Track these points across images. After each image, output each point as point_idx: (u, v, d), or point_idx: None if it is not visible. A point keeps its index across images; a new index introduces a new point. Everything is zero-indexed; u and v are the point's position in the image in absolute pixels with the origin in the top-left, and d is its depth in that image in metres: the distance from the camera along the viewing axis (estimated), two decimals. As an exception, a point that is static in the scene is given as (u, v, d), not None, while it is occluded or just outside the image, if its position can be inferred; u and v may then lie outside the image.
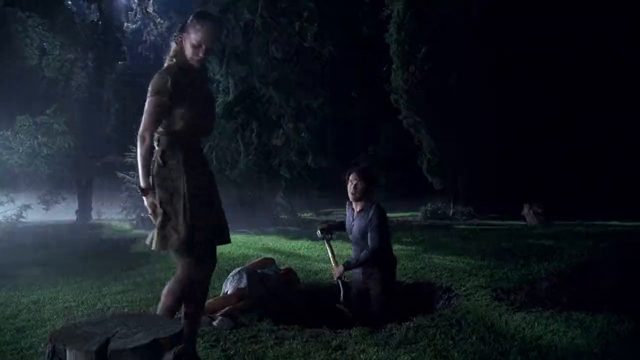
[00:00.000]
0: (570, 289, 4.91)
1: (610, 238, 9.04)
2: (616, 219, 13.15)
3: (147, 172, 2.69)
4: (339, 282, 4.66)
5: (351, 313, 4.51)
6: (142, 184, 2.68)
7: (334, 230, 5.05)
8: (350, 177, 4.60)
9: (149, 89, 2.75)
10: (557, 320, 3.86)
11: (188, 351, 2.75)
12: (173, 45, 2.90)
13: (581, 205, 14.74)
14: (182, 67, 2.85)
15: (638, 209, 12.98)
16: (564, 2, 16.73)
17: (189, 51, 2.84)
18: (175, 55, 2.87)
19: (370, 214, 4.50)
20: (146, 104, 2.71)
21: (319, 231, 5.01)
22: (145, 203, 2.73)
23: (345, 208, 4.90)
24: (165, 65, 2.88)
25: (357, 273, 4.70)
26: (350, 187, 4.59)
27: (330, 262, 4.91)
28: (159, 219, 2.70)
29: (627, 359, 3.15)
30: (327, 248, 4.93)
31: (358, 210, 4.64)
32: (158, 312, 2.80)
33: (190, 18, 2.87)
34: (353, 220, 4.69)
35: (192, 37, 2.82)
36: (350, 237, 4.74)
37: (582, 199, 15.50)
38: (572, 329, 3.64)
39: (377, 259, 4.49)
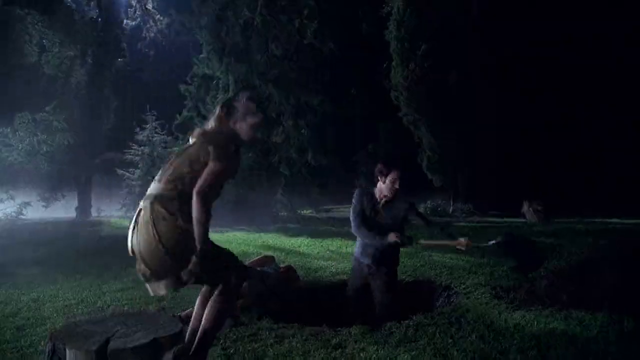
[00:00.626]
0: (569, 287, 4.91)
1: (610, 235, 9.04)
2: (616, 216, 13.15)
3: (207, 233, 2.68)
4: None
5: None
6: (204, 244, 2.62)
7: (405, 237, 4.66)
8: (394, 176, 4.60)
9: (219, 152, 2.73)
10: (557, 319, 3.86)
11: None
12: (220, 111, 3.02)
13: (581, 205, 14.73)
14: (238, 138, 2.98)
15: (638, 208, 12.97)
16: (564, 2, 16.70)
17: (246, 129, 2.99)
18: (235, 124, 2.99)
19: (406, 206, 4.64)
20: (215, 166, 2.69)
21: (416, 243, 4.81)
22: (199, 261, 2.62)
23: (353, 198, 4.86)
24: (222, 131, 2.94)
25: (362, 268, 4.70)
26: (393, 185, 4.59)
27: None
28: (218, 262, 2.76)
29: (626, 358, 3.15)
30: (434, 243, 4.85)
31: (385, 201, 4.64)
32: (208, 325, 2.76)
33: (246, 98, 3.05)
34: (377, 212, 4.67)
35: (250, 119, 3.00)
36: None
37: (582, 199, 15.48)
38: (572, 327, 3.65)
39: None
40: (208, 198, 2.69)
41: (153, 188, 2.77)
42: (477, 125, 16.94)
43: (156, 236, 2.59)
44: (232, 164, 2.81)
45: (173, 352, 2.26)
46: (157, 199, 2.67)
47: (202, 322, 2.78)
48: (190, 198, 2.66)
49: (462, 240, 4.40)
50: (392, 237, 4.43)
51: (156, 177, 2.85)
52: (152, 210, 2.63)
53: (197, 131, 2.96)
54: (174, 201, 2.65)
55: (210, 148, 2.72)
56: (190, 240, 2.61)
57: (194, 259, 2.59)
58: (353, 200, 4.78)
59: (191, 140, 2.93)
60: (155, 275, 2.62)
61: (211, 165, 2.69)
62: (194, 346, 2.71)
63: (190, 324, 2.89)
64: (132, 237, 2.70)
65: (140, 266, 2.65)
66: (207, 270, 2.68)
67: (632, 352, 3.24)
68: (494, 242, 4.45)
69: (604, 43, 16.53)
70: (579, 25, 16.24)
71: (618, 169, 16.77)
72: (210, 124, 3.02)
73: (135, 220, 2.70)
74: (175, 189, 2.69)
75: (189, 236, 2.60)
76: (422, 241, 4.69)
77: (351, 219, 4.69)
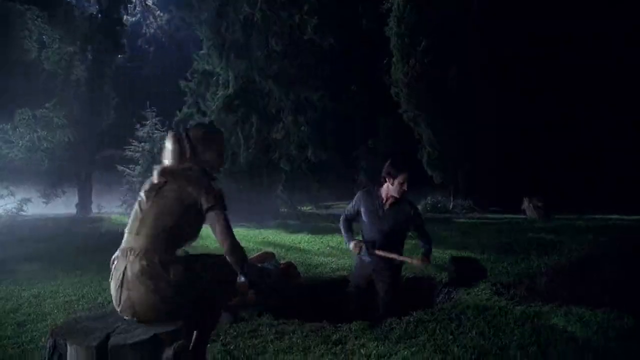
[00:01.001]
0: (570, 283, 4.91)
1: (611, 232, 9.05)
2: (616, 213, 13.14)
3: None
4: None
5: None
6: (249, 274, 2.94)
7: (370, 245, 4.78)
8: (403, 179, 4.59)
9: (219, 201, 2.74)
10: (557, 315, 3.86)
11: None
12: (179, 148, 2.88)
13: (581, 202, 14.73)
14: (209, 171, 2.95)
15: (638, 206, 12.95)
16: (564, 1, 16.66)
17: (214, 159, 2.98)
18: (202, 155, 2.93)
19: (411, 211, 4.69)
20: (220, 213, 2.75)
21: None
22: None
23: (353, 198, 4.89)
24: (192, 167, 2.85)
25: (364, 266, 4.70)
26: (402, 187, 4.59)
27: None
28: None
29: (626, 354, 3.15)
30: (390, 256, 4.74)
31: (391, 203, 4.64)
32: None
33: (205, 129, 3.03)
34: (382, 212, 4.67)
35: (216, 148, 2.99)
36: (376, 225, 4.68)
37: (582, 196, 15.47)
38: (572, 324, 3.65)
39: None
40: (238, 245, 2.85)
41: (134, 242, 2.65)
42: (477, 122, 16.93)
43: (153, 291, 2.54)
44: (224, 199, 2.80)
45: (173, 348, 2.26)
46: (147, 254, 2.58)
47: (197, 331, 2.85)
48: (178, 246, 2.70)
49: (417, 258, 4.59)
50: (351, 246, 4.60)
51: (132, 229, 2.71)
52: (142, 267, 2.56)
53: (161, 169, 2.84)
54: (164, 255, 2.59)
55: (194, 191, 2.70)
56: (185, 291, 2.60)
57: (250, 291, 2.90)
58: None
59: (156, 180, 2.80)
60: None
61: (217, 214, 2.73)
62: (192, 342, 2.78)
63: None
64: (119, 292, 2.62)
65: (129, 317, 2.61)
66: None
67: (632, 348, 3.24)
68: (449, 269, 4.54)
69: (604, 42, 16.50)
70: (578, 24, 16.22)
71: (618, 167, 16.77)
72: (171, 161, 2.88)
73: (123, 275, 2.60)
74: (163, 242, 2.62)
75: (183, 288, 2.59)
76: (378, 251, 4.68)
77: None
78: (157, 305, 2.54)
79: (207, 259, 2.81)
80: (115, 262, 2.69)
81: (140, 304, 2.55)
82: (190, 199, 2.69)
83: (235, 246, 2.81)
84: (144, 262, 2.56)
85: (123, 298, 2.60)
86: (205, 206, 2.70)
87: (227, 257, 2.79)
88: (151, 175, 2.83)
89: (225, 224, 2.77)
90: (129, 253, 2.62)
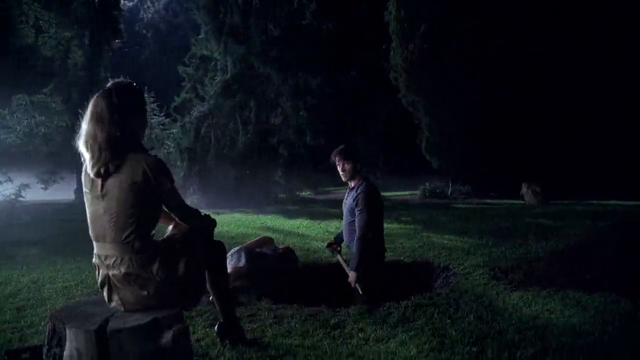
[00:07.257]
0: (567, 268, 4.93)
1: (609, 217, 9.06)
2: (615, 198, 13.16)
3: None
4: (357, 285, 4.37)
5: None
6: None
7: (340, 240, 4.98)
8: (336, 160, 4.63)
9: (169, 176, 2.55)
10: (554, 299, 3.89)
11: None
12: (109, 115, 2.58)
13: (580, 187, 14.73)
14: (140, 143, 2.71)
15: (635, 192, 12.96)
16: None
17: (142, 126, 2.74)
18: (130, 124, 2.62)
19: (358, 191, 4.51)
20: (173, 192, 2.59)
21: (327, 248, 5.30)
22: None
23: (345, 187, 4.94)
24: (137, 151, 2.57)
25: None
26: (339, 169, 4.63)
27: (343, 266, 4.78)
28: None
29: (622, 338, 3.17)
30: (339, 259, 4.88)
31: (351, 187, 4.68)
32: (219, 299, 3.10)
33: (133, 89, 2.69)
34: (346, 198, 4.72)
35: (145, 112, 2.79)
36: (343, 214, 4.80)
37: (580, 184, 15.43)
38: (569, 308, 3.67)
39: (368, 241, 4.40)
40: (196, 212, 2.79)
41: (104, 249, 2.52)
42: (476, 107, 16.85)
43: (141, 291, 2.50)
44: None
45: (172, 331, 2.27)
46: (123, 262, 2.48)
47: (216, 303, 3.11)
48: (148, 235, 2.56)
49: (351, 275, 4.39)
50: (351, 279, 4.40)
51: (96, 237, 2.55)
52: (123, 273, 2.48)
53: (95, 161, 2.59)
54: (139, 257, 2.48)
55: (142, 177, 2.45)
56: (172, 280, 2.55)
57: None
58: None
59: (94, 175, 2.56)
60: None
61: (171, 193, 2.58)
62: (222, 318, 3.11)
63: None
64: (108, 293, 2.56)
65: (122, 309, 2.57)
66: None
67: (628, 332, 3.25)
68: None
69: (601, 27, 16.38)
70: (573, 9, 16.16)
71: (617, 152, 16.70)
72: (99, 132, 2.60)
73: (107, 278, 2.53)
74: (131, 244, 2.47)
75: (169, 279, 2.54)
76: (338, 256, 4.93)
77: None
78: (149, 301, 2.52)
79: (180, 241, 2.73)
80: (97, 267, 2.62)
81: (132, 302, 2.52)
82: (142, 187, 2.46)
83: (196, 214, 2.79)
84: (123, 270, 2.48)
85: (114, 298, 2.55)
86: (160, 191, 2.53)
87: (194, 226, 2.79)
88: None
89: (180, 199, 2.67)
90: (105, 260, 2.53)
